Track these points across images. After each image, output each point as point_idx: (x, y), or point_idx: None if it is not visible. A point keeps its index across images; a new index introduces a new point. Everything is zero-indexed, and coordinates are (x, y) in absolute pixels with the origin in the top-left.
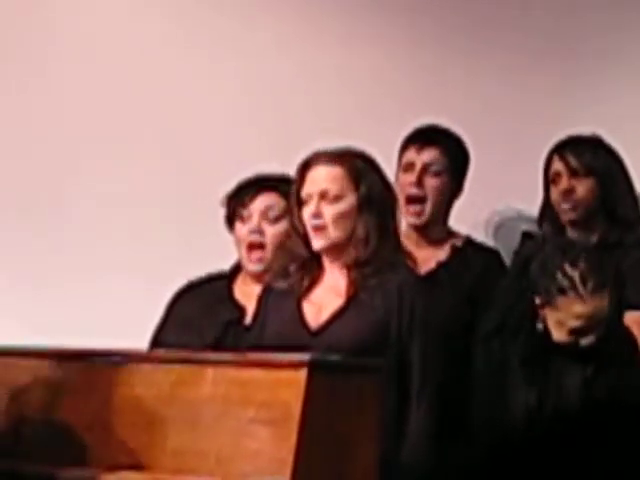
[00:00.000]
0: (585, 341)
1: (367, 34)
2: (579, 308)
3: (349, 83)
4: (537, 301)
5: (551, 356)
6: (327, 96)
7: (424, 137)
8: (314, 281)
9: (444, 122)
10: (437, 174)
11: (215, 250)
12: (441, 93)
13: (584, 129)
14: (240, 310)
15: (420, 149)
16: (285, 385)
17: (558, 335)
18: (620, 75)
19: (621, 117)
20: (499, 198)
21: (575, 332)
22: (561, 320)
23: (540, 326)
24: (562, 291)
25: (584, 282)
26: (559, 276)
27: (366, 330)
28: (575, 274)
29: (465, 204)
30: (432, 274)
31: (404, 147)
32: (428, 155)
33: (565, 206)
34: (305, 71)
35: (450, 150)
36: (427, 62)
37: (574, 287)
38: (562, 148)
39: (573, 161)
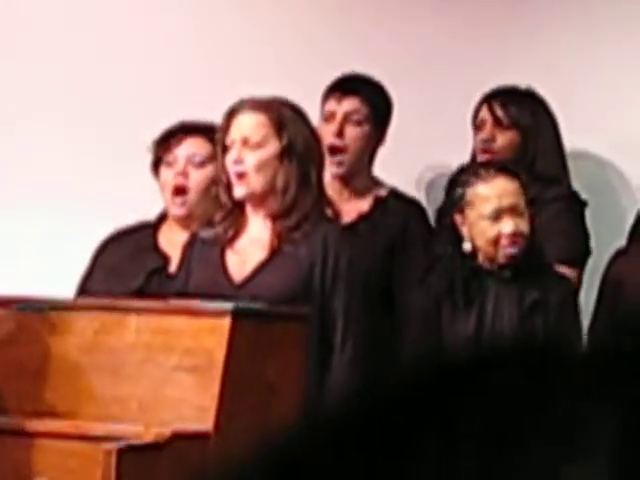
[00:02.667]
0: (507, 227)
1: None
2: (485, 190)
3: (272, 31)
4: (458, 220)
5: (483, 278)
6: (251, 45)
7: (345, 86)
8: (239, 231)
9: (374, 71)
10: (358, 123)
11: (142, 199)
12: (370, 41)
13: (519, 78)
14: (164, 259)
15: (340, 98)
16: (208, 333)
17: (482, 239)
18: (556, 22)
19: (556, 65)
20: (431, 150)
21: (492, 219)
22: (478, 215)
23: (467, 246)
24: (468, 183)
25: (486, 168)
26: (462, 174)
27: (290, 283)
28: (478, 166)
29: (397, 156)
30: (353, 225)
31: (325, 97)
32: (349, 104)
33: (484, 156)
34: (230, 21)
35: (371, 98)
36: (354, 8)
37: (477, 173)
38: (492, 97)
39: (499, 111)
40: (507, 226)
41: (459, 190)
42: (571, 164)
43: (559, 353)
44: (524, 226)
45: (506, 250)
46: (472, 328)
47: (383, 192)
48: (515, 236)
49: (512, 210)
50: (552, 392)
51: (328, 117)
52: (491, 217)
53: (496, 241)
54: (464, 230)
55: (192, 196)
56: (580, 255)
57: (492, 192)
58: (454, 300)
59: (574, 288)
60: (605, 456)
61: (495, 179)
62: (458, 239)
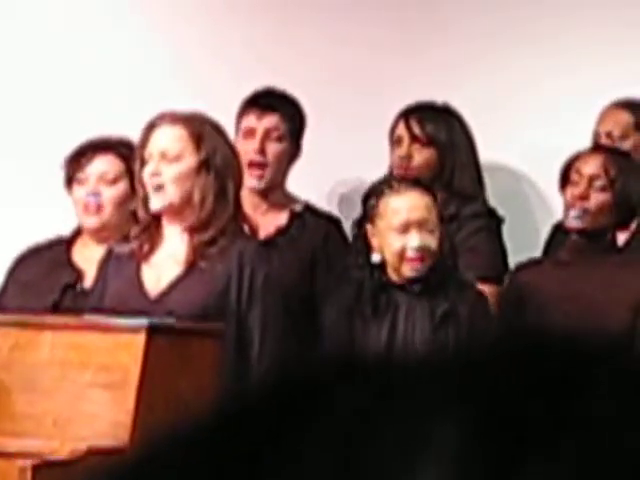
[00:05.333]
0: (413, 241)
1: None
2: (396, 202)
3: (186, 48)
4: (369, 230)
5: (392, 290)
6: (168, 60)
7: (264, 103)
8: (154, 245)
9: (288, 87)
10: (278, 140)
11: (58, 214)
12: (285, 57)
13: (433, 92)
14: (79, 274)
15: (261, 115)
16: (123, 349)
17: (389, 251)
18: (469, 35)
19: (473, 82)
20: (345, 166)
21: (400, 231)
22: (387, 226)
23: (376, 257)
24: (382, 194)
25: (399, 181)
26: (378, 185)
27: (206, 298)
28: (395, 178)
29: (310, 172)
30: (270, 239)
31: (242, 112)
32: (269, 121)
33: (401, 173)
34: (143, 37)
35: (289, 115)
36: (268, 25)
37: (391, 185)
38: (409, 113)
39: (416, 127)
40: (413, 240)
41: (372, 201)
42: (486, 177)
43: (413, 367)
44: (432, 242)
45: (410, 265)
46: (384, 341)
47: (298, 207)
48: (420, 251)
49: (420, 224)
50: (395, 409)
51: (247, 133)
52: (399, 229)
53: (401, 254)
54: (374, 241)
55: (106, 212)
56: (498, 272)
57: (403, 205)
58: (362, 311)
59: (484, 298)
60: (444, 472)
61: (408, 192)
62: (369, 250)
